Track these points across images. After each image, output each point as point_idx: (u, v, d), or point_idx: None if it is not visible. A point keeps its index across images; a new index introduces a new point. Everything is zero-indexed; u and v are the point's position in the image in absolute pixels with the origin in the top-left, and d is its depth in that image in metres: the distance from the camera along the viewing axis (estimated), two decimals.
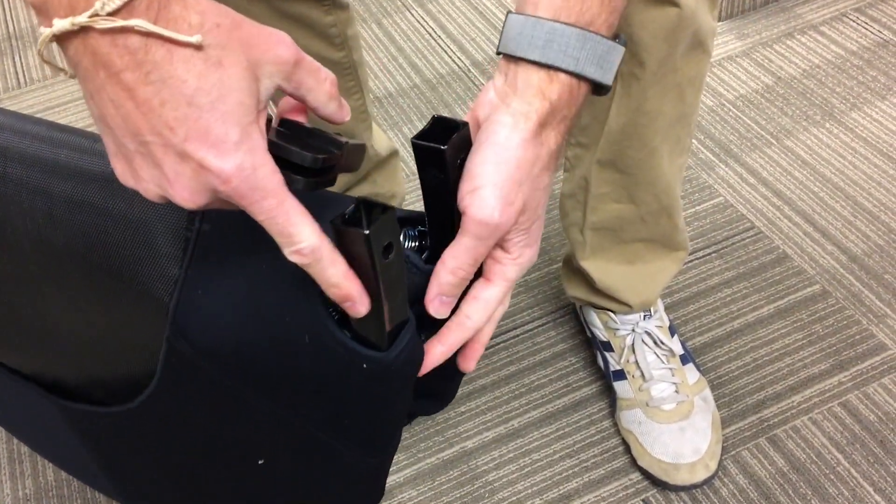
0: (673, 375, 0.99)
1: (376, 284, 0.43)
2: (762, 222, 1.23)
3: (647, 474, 0.97)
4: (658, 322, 1.02)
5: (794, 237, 1.21)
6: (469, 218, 0.46)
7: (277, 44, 0.40)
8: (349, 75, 1.04)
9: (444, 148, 0.45)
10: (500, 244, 0.49)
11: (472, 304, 0.50)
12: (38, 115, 1.55)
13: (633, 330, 1.01)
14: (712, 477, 0.95)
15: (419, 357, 0.50)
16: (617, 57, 0.48)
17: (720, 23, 1.58)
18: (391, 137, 1.44)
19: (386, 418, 0.58)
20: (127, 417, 0.70)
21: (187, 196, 0.40)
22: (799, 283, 1.15)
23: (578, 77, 0.48)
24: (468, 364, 0.54)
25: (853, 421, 1.00)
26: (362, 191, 1.14)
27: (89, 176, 0.57)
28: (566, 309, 1.15)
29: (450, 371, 0.56)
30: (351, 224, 0.41)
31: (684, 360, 1.02)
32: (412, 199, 1.33)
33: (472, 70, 1.56)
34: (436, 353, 0.50)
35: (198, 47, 0.37)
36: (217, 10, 0.38)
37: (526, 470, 0.99)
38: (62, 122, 1.52)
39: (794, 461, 0.97)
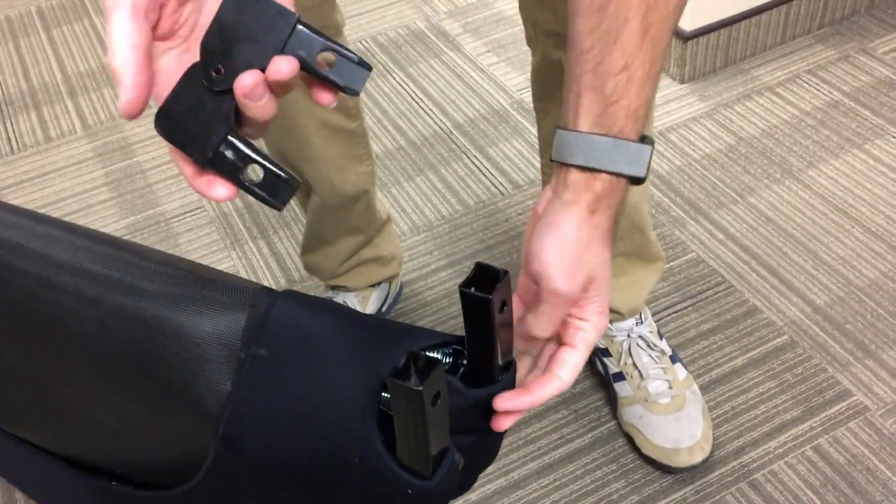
0: (665, 373, 1.12)
1: (424, 427, 0.49)
2: (732, 276, 1.33)
3: (651, 461, 1.08)
4: (649, 328, 1.15)
5: (762, 290, 1.30)
6: (543, 290, 0.55)
7: None
8: (361, 143, 1.13)
9: (491, 298, 0.50)
10: (578, 315, 0.57)
11: (562, 367, 0.56)
12: (35, 181, 1.60)
13: (629, 335, 1.14)
14: (707, 458, 1.07)
15: (455, 482, 0.55)
16: (646, 154, 0.58)
17: (683, 85, 1.69)
18: (381, 199, 1.51)
19: None
20: (159, 502, 0.74)
21: None
22: (769, 335, 1.24)
23: (616, 174, 0.57)
24: (503, 423, 0.59)
25: (825, 464, 1.09)
26: (366, 255, 1.21)
27: (144, 294, 0.60)
28: None
29: (477, 462, 0.62)
30: (403, 378, 0.47)
31: (673, 359, 1.14)
32: (414, 253, 1.40)
33: (454, 132, 1.64)
34: (524, 401, 0.56)
35: None
36: None
37: None
38: (57, 186, 1.57)
39: None
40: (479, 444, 0.58)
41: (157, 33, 0.46)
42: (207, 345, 0.58)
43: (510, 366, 0.56)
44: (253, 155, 0.46)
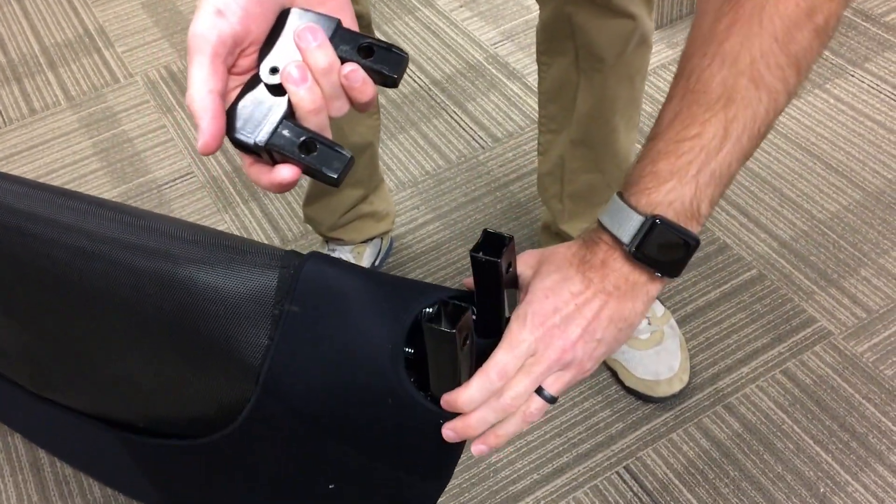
0: None
1: (455, 365, 0.55)
2: None
3: (634, 392, 1.17)
4: None
5: (732, 228, 1.38)
6: None
7: None
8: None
9: (499, 261, 0.56)
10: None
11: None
12: (24, 154, 1.63)
13: None
14: (685, 388, 1.16)
15: None
16: (630, 220, 0.55)
17: None
18: None
19: (451, 457, 0.69)
20: (195, 450, 0.79)
21: None
22: (739, 269, 1.33)
23: (599, 223, 0.57)
24: (476, 446, 0.61)
25: (793, 385, 1.18)
26: (363, 210, 1.28)
27: (178, 260, 0.64)
28: None
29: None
30: (437, 323, 0.53)
31: None
32: (402, 208, 1.46)
33: (432, 88, 1.69)
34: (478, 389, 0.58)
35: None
36: None
37: (522, 450, 1.14)
38: (47, 158, 1.60)
39: (746, 423, 1.15)
40: None
41: (234, 71, 0.52)
42: (243, 304, 0.62)
43: None
44: (308, 133, 0.51)
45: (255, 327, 0.62)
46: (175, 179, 1.58)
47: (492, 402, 0.57)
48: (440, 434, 0.61)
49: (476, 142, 1.58)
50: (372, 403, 0.61)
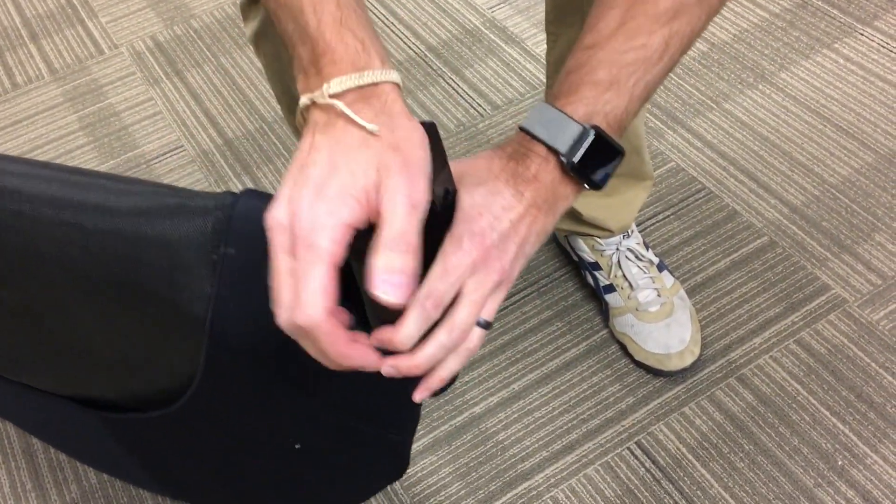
0: (654, 282, 1.16)
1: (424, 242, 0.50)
2: (711, 183, 1.36)
3: (644, 366, 1.14)
4: (636, 240, 1.20)
5: (741, 194, 1.34)
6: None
7: (406, 175, 0.50)
8: None
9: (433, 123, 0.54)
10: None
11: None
12: (7, 130, 1.58)
13: (618, 249, 1.18)
14: (697, 360, 1.13)
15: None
16: (568, 130, 0.55)
17: None
18: None
19: (409, 401, 0.68)
20: (168, 420, 0.77)
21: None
22: (749, 237, 1.29)
23: (525, 130, 0.57)
24: (419, 393, 0.59)
25: (808, 355, 1.15)
26: None
27: (119, 212, 0.62)
28: (549, 278, 1.26)
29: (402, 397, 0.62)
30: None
31: (660, 268, 1.19)
32: None
33: (428, 55, 1.64)
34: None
35: (370, 133, 0.50)
36: (394, 131, 0.51)
37: (530, 427, 1.11)
38: (32, 134, 1.55)
39: (760, 395, 1.11)
40: None
41: None
42: (184, 252, 0.61)
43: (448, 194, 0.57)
44: None
45: (196, 277, 0.61)
46: (165, 154, 1.53)
47: (440, 339, 0.54)
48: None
49: (475, 109, 1.53)
50: None
